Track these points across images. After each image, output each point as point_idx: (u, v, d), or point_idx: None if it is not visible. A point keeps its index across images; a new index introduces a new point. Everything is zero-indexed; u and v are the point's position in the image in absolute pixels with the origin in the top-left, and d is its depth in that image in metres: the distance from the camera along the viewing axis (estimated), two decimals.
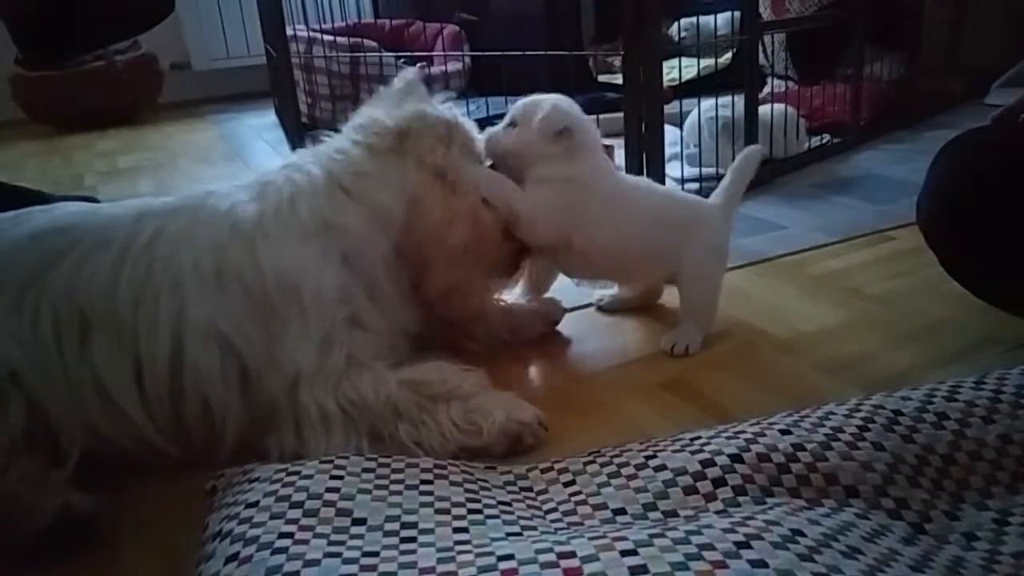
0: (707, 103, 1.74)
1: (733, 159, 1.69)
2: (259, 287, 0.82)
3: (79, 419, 0.77)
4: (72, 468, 0.75)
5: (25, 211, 0.87)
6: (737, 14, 1.85)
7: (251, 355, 0.81)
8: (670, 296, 1.22)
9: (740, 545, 0.54)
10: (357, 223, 0.88)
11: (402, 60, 2.39)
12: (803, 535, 0.56)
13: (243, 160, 2.36)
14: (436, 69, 2.60)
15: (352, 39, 2.51)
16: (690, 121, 1.80)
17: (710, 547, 0.54)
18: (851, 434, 0.70)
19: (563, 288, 1.19)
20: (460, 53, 2.75)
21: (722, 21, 2.23)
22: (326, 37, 2.46)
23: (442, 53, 2.74)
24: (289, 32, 2.23)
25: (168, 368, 0.79)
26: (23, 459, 0.72)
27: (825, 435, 0.70)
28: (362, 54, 2.43)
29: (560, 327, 1.12)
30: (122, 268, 0.81)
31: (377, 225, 0.90)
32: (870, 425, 0.71)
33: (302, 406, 0.80)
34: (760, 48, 2.22)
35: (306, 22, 2.39)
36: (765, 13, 2.44)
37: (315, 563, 0.56)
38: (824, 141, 2.00)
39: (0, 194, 1.47)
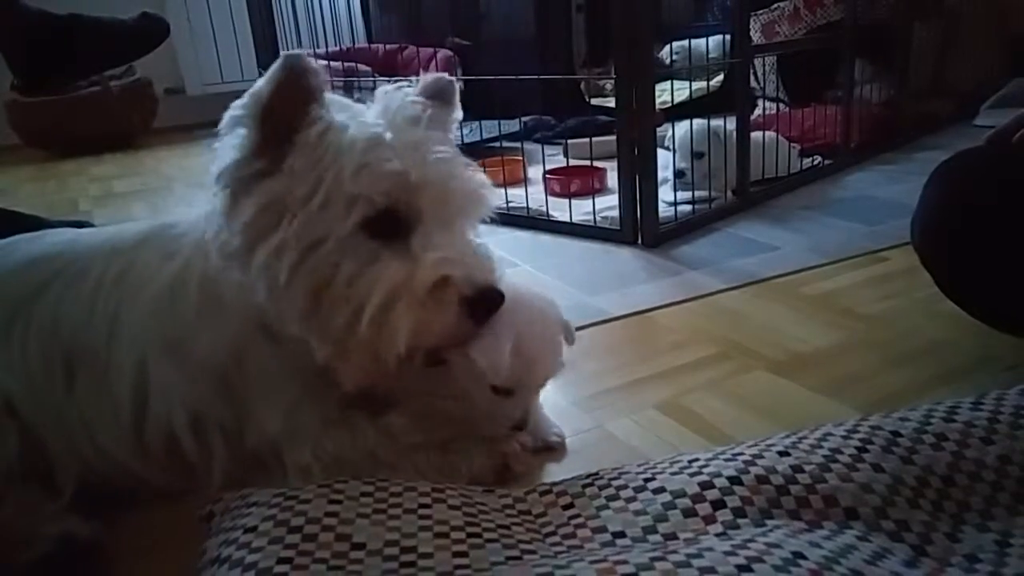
0: (699, 121, 1.75)
1: (725, 181, 1.73)
2: (208, 364, 0.77)
3: (73, 452, 0.76)
4: (68, 497, 0.74)
5: (13, 240, 0.86)
6: (728, 37, 1.87)
7: (221, 420, 0.77)
8: (666, 318, 1.22)
9: (742, 568, 0.54)
10: (231, 293, 0.76)
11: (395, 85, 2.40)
12: (804, 558, 0.56)
13: None
14: None
15: (346, 63, 2.52)
16: (682, 133, 1.78)
17: (711, 570, 0.54)
18: (850, 455, 0.70)
19: None
20: (453, 78, 2.77)
21: (713, 44, 2.26)
22: (320, 62, 2.47)
23: None
24: None
25: (131, 417, 0.76)
26: (20, 488, 0.72)
27: (824, 456, 0.70)
28: (356, 79, 2.44)
29: None
30: (96, 302, 0.78)
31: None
32: (868, 446, 0.71)
33: (284, 460, 0.78)
34: (751, 71, 2.24)
35: (300, 47, 2.40)
36: (756, 36, 2.47)
37: None
38: (815, 162, 2.02)
39: None
